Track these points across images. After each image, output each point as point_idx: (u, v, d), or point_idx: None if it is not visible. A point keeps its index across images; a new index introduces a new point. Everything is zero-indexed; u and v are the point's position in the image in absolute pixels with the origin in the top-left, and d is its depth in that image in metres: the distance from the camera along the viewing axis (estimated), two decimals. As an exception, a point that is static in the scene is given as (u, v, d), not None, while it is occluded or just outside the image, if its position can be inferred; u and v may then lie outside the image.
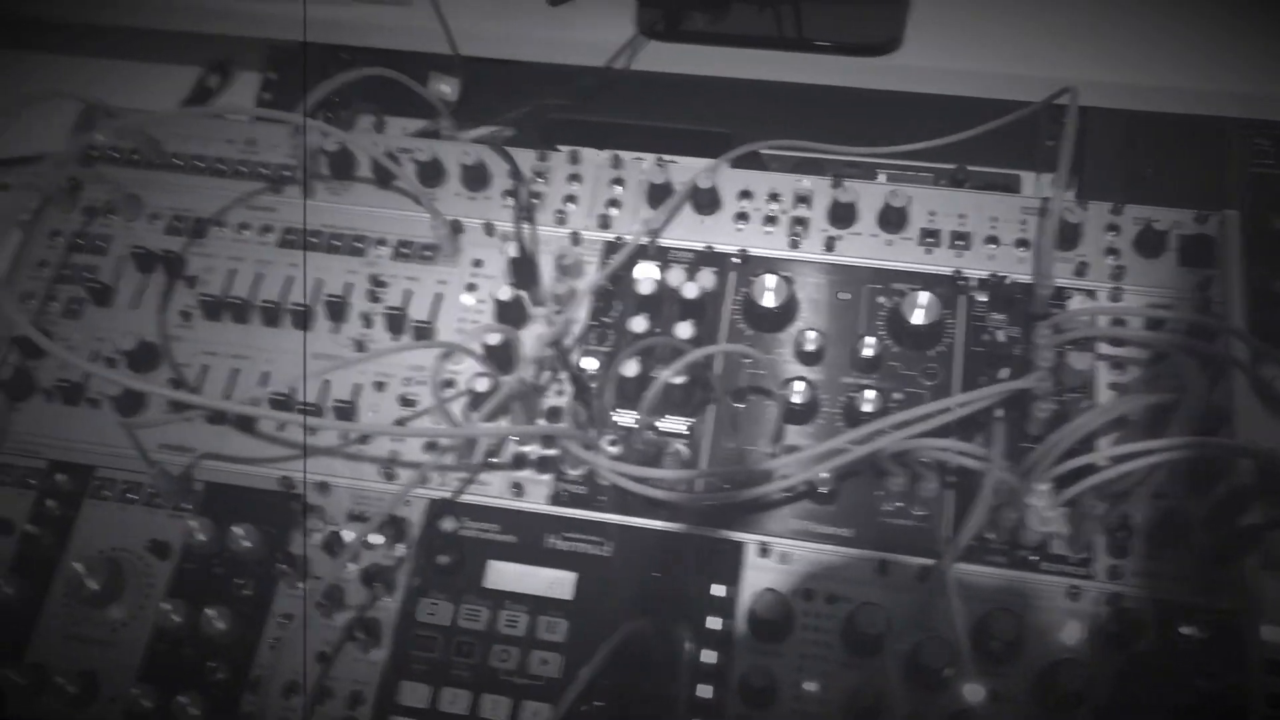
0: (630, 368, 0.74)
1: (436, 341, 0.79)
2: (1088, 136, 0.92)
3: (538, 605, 0.71)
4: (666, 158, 0.86)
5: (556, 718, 0.67)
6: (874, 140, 0.89)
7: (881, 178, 0.95)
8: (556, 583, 0.72)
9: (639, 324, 0.77)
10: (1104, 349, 0.75)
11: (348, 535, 0.73)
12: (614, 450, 0.74)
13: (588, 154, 0.86)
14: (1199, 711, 0.65)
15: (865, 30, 0.98)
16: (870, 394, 0.73)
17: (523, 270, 0.80)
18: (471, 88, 1.02)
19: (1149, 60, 0.94)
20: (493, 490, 0.75)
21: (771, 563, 0.71)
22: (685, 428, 0.76)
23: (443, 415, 0.73)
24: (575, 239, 0.83)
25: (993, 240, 0.80)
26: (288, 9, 1.06)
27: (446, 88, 1.03)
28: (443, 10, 1.00)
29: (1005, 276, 0.78)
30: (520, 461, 0.76)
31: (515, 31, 1.04)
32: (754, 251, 0.81)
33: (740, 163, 0.85)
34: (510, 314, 0.79)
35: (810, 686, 0.68)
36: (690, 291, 0.78)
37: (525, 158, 0.86)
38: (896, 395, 0.75)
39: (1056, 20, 0.97)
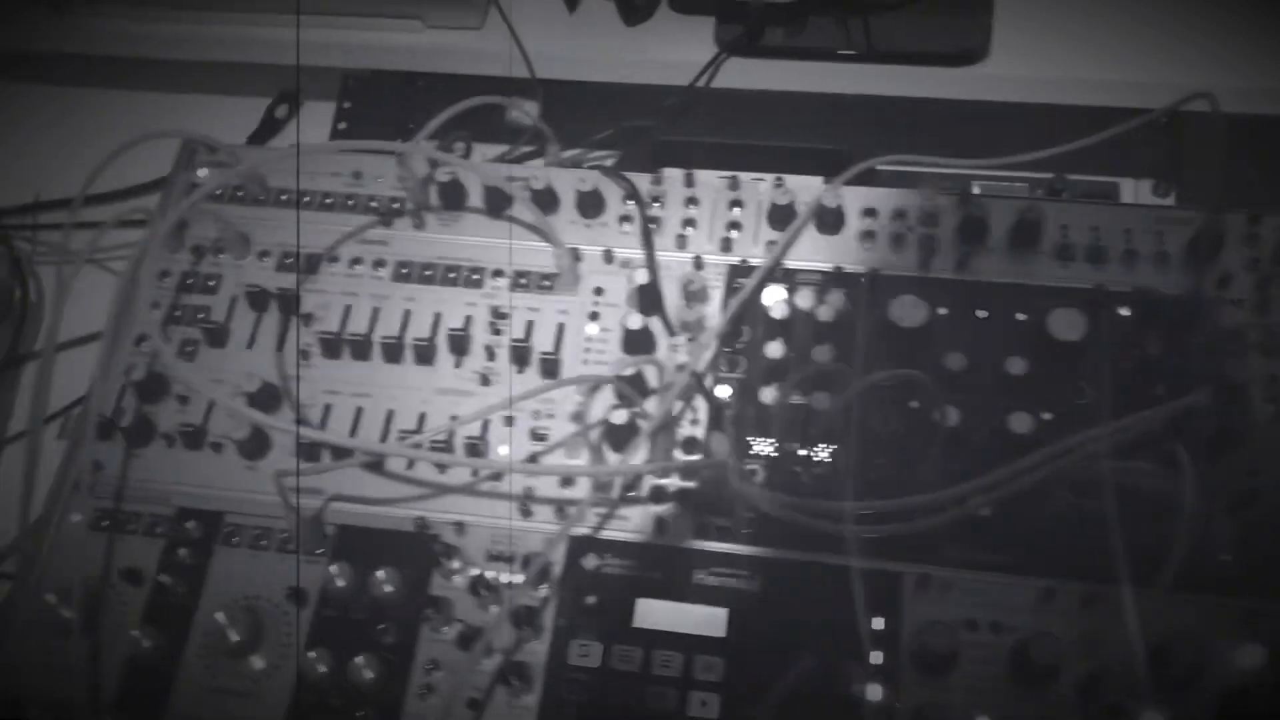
0: (779, 396, 0.72)
1: (585, 377, 0.77)
2: (1185, 141, 0.90)
3: (691, 644, 0.69)
4: (774, 178, 0.84)
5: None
6: (961, 152, 0.87)
7: (975, 190, 0.94)
8: (708, 620, 0.70)
9: (774, 349, 0.75)
10: (1259, 361, 0.73)
11: (504, 578, 0.72)
12: (760, 480, 0.72)
13: (703, 176, 0.84)
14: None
15: (949, 40, 0.97)
16: (1021, 415, 0.71)
17: (649, 297, 0.78)
18: (550, 111, 1.00)
19: (1248, 61, 0.92)
20: (633, 525, 0.73)
21: (932, 593, 0.69)
22: (828, 454, 0.74)
23: (589, 450, 0.71)
24: (698, 263, 0.81)
25: (1131, 253, 0.78)
26: (360, 37, 1.05)
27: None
28: (517, 34, 0.99)
29: (1149, 289, 0.76)
30: (659, 495, 0.74)
31: (592, 53, 1.02)
32: (885, 271, 0.79)
33: (851, 179, 0.83)
34: (639, 343, 0.78)
35: (984, 721, 0.66)
36: (825, 314, 0.76)
37: (637, 182, 0.84)
38: (1046, 415, 0.73)
39: (1142, 24, 0.96)
